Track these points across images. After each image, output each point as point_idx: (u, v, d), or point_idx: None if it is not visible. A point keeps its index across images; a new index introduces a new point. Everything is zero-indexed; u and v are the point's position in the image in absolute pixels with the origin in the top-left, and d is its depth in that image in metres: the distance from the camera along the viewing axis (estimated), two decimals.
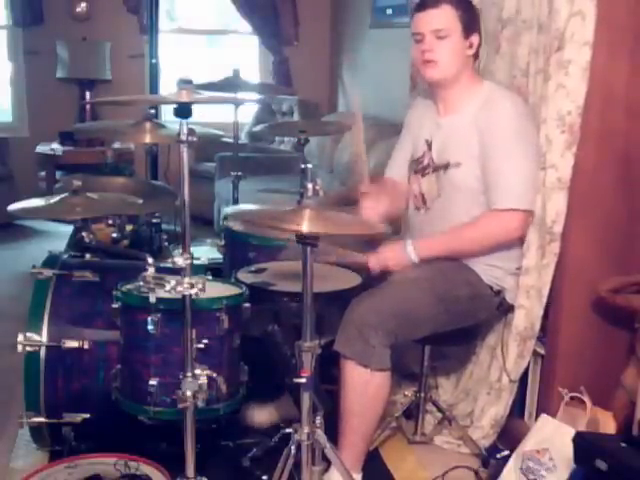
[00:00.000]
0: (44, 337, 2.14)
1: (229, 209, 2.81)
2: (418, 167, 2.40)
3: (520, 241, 2.28)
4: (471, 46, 2.24)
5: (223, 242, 2.78)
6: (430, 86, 2.35)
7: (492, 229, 2.23)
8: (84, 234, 2.44)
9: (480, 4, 2.52)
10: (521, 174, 2.18)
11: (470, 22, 2.23)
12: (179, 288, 1.68)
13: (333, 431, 2.08)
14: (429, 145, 2.36)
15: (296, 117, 5.76)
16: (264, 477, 2.12)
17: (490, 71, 2.49)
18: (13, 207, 1.97)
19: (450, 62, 2.22)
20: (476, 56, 2.30)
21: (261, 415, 2.48)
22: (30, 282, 2.24)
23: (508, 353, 2.36)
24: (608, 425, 2.08)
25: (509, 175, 2.18)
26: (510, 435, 2.39)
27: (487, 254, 2.27)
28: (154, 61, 3.73)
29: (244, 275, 2.30)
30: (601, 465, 1.71)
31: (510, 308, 2.35)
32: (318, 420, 1.81)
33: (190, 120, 1.66)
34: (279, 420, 2.43)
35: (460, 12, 2.20)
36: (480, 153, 2.21)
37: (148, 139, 2.10)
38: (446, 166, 2.28)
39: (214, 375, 1.89)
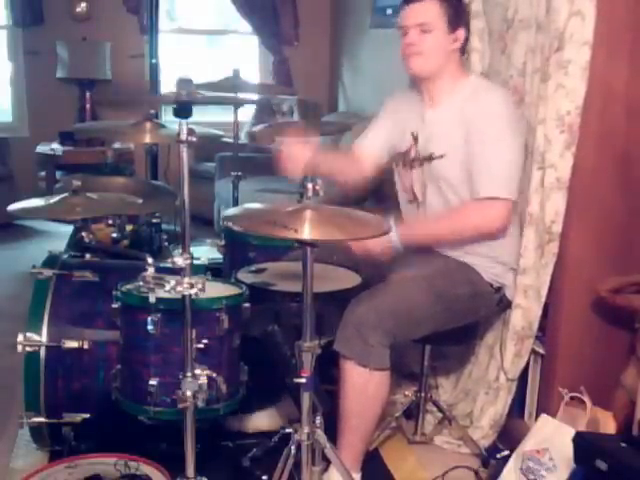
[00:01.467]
0: (44, 337, 2.14)
1: (228, 211, 2.80)
2: (405, 160, 2.39)
3: (519, 235, 2.28)
4: (456, 40, 2.23)
5: (223, 242, 2.78)
6: (414, 79, 2.36)
7: (472, 218, 2.21)
8: (84, 234, 2.44)
9: (484, 4, 2.52)
10: (504, 163, 2.16)
11: (455, 16, 2.22)
12: (179, 288, 1.68)
13: (333, 431, 2.08)
14: (415, 138, 2.35)
15: (296, 117, 5.76)
16: (264, 477, 2.11)
17: (497, 71, 2.49)
18: (13, 207, 1.98)
19: (433, 56, 2.22)
20: (462, 51, 2.29)
21: (262, 420, 2.48)
22: (30, 282, 2.24)
23: (506, 352, 2.37)
24: (608, 425, 2.08)
25: (492, 163, 2.15)
26: (510, 435, 2.39)
27: (469, 244, 2.26)
28: (154, 61, 3.74)
29: (244, 275, 2.30)
30: (601, 465, 1.71)
31: (510, 304, 2.35)
32: (318, 420, 1.81)
33: (190, 120, 1.67)
34: (280, 424, 2.43)
35: (445, 6, 2.20)
36: (465, 143, 2.19)
37: (148, 139, 2.10)
38: (430, 157, 2.28)
39: (214, 375, 1.89)
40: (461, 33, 2.24)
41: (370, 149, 2.50)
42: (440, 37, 2.21)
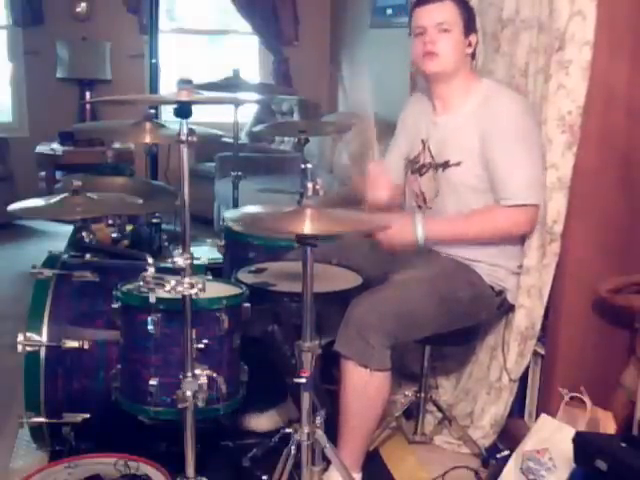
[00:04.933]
0: (44, 337, 2.13)
1: (229, 213, 2.80)
2: (415, 167, 2.40)
3: (522, 238, 2.28)
4: (470, 45, 2.27)
5: (223, 242, 2.78)
6: (428, 81, 2.35)
7: (502, 224, 2.22)
8: (84, 234, 2.44)
9: (478, 5, 2.52)
10: (527, 169, 2.18)
11: (469, 21, 2.26)
12: (179, 288, 1.68)
13: (333, 431, 2.08)
14: (425, 144, 2.36)
15: (296, 117, 5.76)
16: (264, 477, 2.11)
17: (490, 70, 2.50)
18: (13, 207, 1.97)
19: (450, 56, 2.24)
20: (473, 56, 2.32)
21: (263, 422, 2.48)
22: (30, 282, 2.24)
23: (509, 352, 2.36)
24: (608, 425, 2.08)
25: (515, 171, 2.17)
26: (510, 435, 2.39)
27: (492, 245, 2.27)
28: (154, 61, 3.74)
29: (244, 275, 2.30)
30: (601, 465, 1.71)
31: (511, 308, 2.35)
32: (318, 420, 1.81)
33: (190, 120, 1.66)
34: (281, 425, 2.43)
35: (461, 9, 2.24)
36: (481, 151, 2.20)
37: (148, 139, 2.10)
38: (445, 164, 2.28)
39: (214, 375, 1.89)
40: (474, 38, 2.28)
41: (398, 173, 2.51)
42: (457, 38, 2.23)
